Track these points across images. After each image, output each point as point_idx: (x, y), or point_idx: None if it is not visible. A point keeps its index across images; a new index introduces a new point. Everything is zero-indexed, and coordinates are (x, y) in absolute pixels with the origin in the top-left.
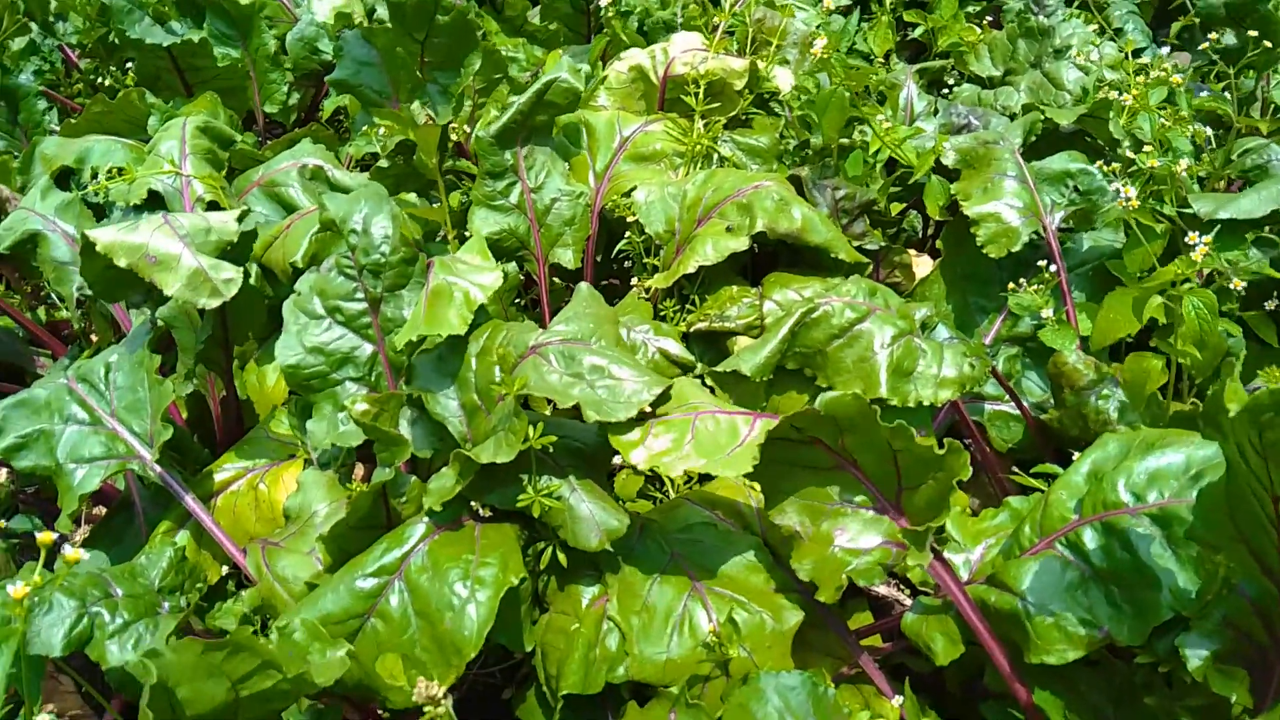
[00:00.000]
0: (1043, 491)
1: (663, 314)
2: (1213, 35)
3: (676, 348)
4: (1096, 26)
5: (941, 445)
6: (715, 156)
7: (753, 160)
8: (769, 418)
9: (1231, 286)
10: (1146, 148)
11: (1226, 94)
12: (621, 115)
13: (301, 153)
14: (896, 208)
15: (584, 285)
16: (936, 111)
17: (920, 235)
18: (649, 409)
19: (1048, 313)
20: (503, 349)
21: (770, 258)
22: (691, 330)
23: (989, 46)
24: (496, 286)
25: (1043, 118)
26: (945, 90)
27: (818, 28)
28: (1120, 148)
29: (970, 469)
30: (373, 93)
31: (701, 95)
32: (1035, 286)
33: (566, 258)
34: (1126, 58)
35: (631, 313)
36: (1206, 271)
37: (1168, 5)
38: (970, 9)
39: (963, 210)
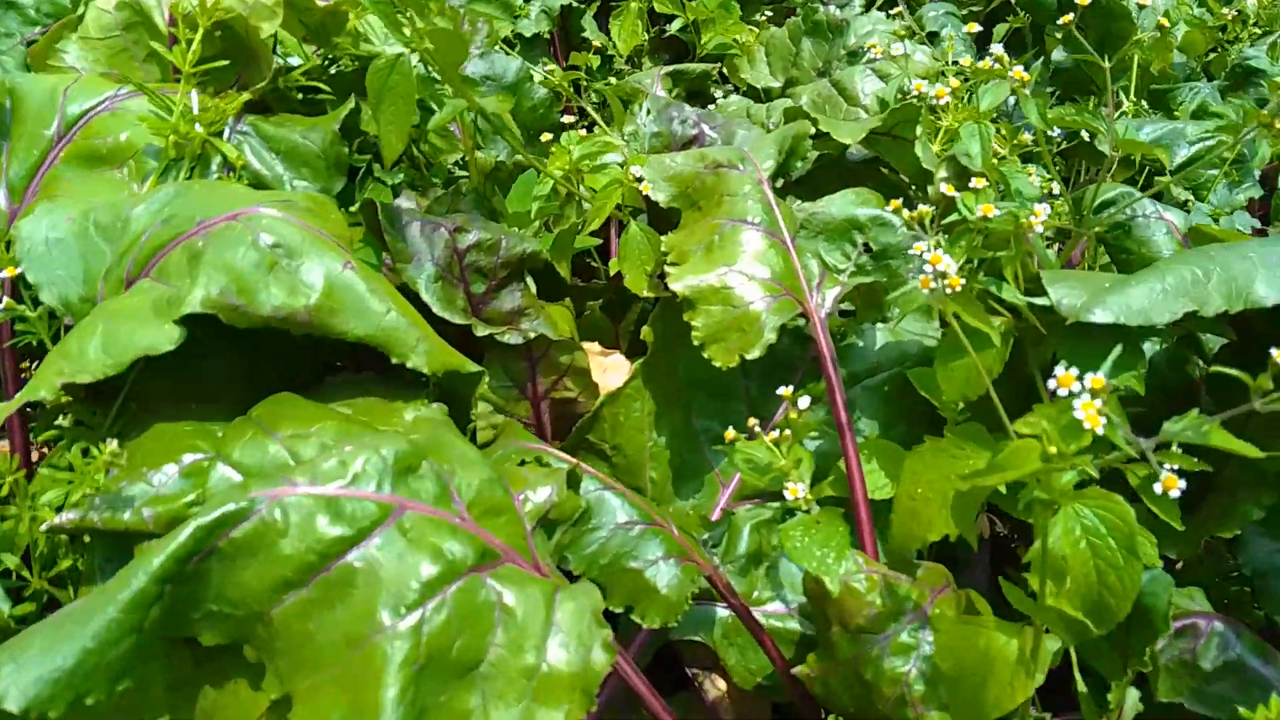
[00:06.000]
0: None
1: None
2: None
3: None
4: (904, 26)
5: None
6: (218, 160)
7: (296, 170)
8: None
9: (1160, 488)
10: (976, 182)
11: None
12: (81, 81)
13: None
14: (616, 265)
15: None
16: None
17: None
18: None
19: (798, 488)
20: None
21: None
22: (47, 528)
23: (765, 48)
24: None
25: (813, 131)
26: (711, 105)
27: None
28: (933, 184)
29: None
30: None
31: (197, 45)
32: (777, 433)
33: None
34: (946, 68)
35: None
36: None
37: (991, 15)
38: (759, 16)
39: (669, 278)
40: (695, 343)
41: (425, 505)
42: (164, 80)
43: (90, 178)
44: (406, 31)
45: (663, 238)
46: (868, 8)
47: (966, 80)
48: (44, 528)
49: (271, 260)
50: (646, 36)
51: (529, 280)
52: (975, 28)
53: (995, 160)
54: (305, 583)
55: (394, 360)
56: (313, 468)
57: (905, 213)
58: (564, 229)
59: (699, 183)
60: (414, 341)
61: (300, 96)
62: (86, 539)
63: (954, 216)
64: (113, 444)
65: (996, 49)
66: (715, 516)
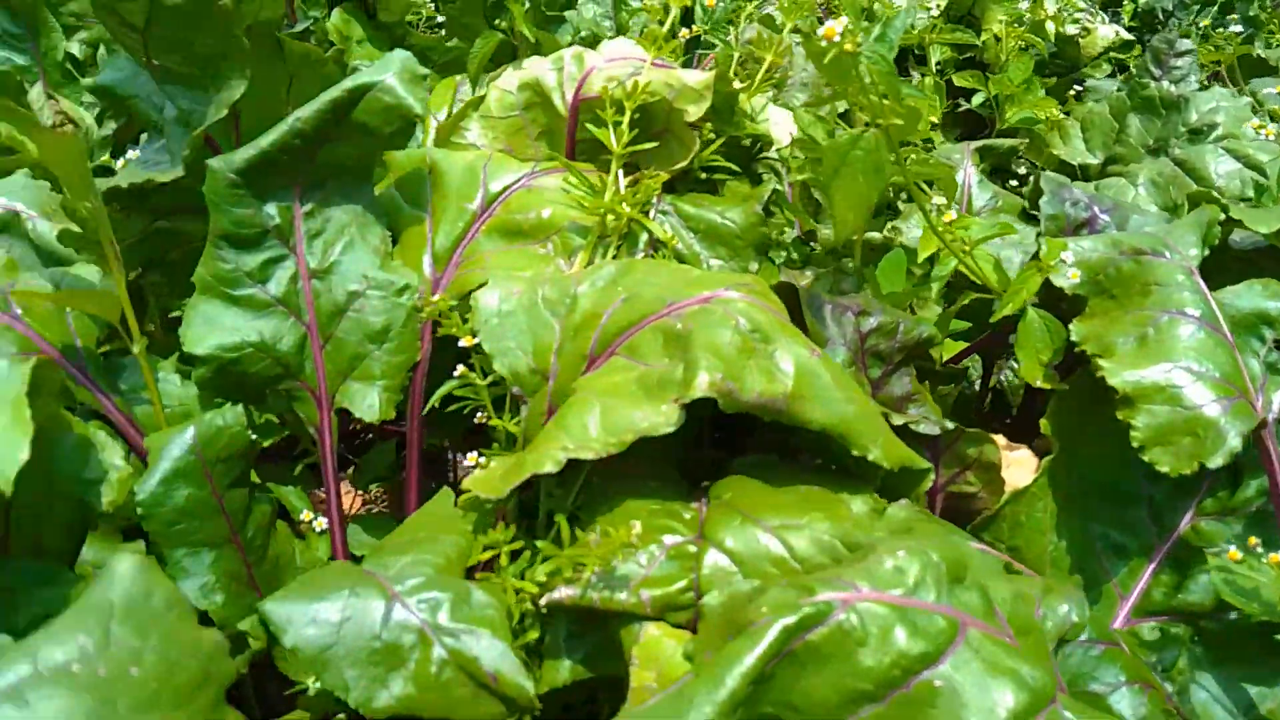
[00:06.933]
0: None
1: (493, 550)
2: None
3: (495, 652)
4: (1247, 102)
5: None
6: (644, 238)
7: (713, 249)
8: None
9: None
10: None
11: None
12: (496, 158)
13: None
14: (952, 348)
15: (122, 565)
16: (993, 199)
17: (981, 398)
18: None
19: None
20: None
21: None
22: (545, 602)
23: (1082, 124)
24: None
25: (1222, 217)
26: (1014, 182)
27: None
28: None
29: None
30: (154, 109)
31: (626, 127)
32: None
33: (370, 400)
34: None
35: (422, 546)
36: None
37: None
38: (1069, 93)
39: (1101, 374)
40: (1134, 444)
41: (979, 621)
42: (551, 157)
43: (511, 251)
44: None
45: (1070, 326)
46: (1206, 84)
47: None
48: (544, 601)
49: (750, 345)
50: (942, 110)
51: (913, 366)
52: None
53: None
54: (882, 698)
55: (854, 452)
56: (870, 571)
57: None
58: (948, 312)
59: (1113, 269)
60: (874, 434)
61: (703, 175)
62: (544, 610)
63: None
64: (637, 527)
65: None
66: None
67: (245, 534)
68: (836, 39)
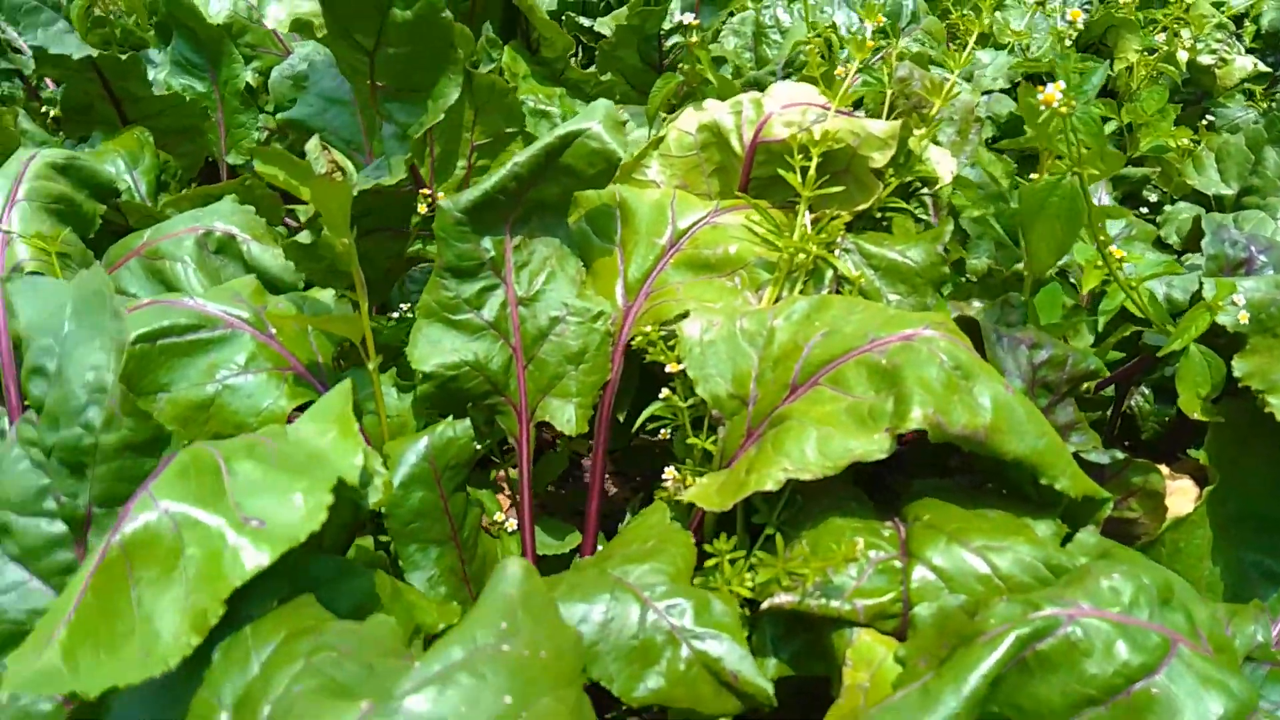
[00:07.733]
0: None
1: (713, 558)
2: None
3: (735, 655)
4: None
5: None
6: (829, 274)
7: (893, 286)
8: None
9: None
10: None
11: None
12: (680, 196)
13: (212, 215)
14: None
15: (514, 567)
16: (1127, 227)
17: (1112, 422)
18: None
19: None
20: None
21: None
22: (767, 606)
23: (1217, 154)
24: (309, 530)
25: None
26: (1145, 210)
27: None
28: None
29: None
30: (340, 141)
31: (813, 172)
32: None
33: (566, 415)
34: None
35: (655, 556)
36: None
37: None
38: (1201, 122)
39: (1269, 410)
40: None
41: (1185, 639)
42: (722, 194)
43: (698, 283)
44: (998, 176)
45: (1232, 362)
46: None
47: None
48: (765, 605)
49: (954, 381)
50: None
51: (1075, 397)
52: None
53: None
54: (1103, 703)
55: (1044, 481)
56: (1089, 591)
57: None
58: (1107, 343)
59: (1275, 308)
60: (1064, 465)
61: (878, 214)
62: (746, 612)
63: None
64: (860, 543)
65: None
66: None
67: (462, 534)
68: (1056, 104)
